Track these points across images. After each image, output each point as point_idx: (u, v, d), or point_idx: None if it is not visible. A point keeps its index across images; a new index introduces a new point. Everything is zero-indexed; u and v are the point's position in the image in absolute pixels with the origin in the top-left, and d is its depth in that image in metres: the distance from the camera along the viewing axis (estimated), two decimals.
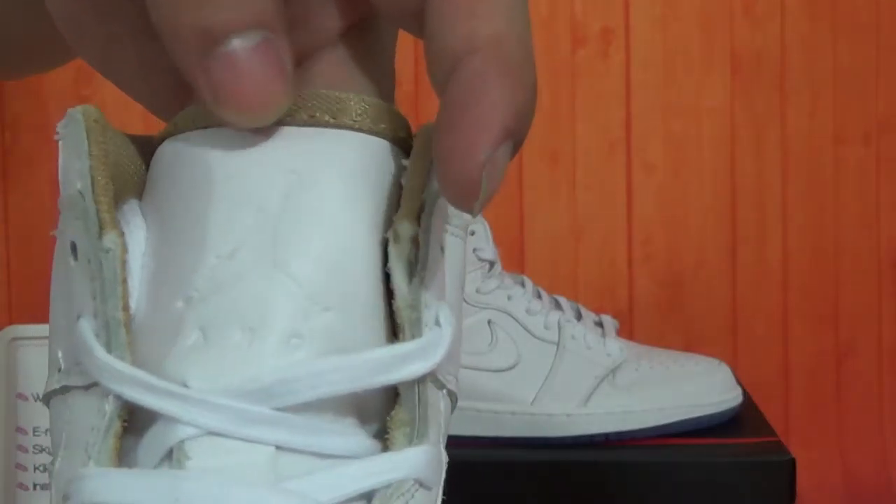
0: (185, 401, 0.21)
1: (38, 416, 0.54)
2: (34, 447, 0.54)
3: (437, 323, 0.23)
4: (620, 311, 0.90)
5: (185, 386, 0.22)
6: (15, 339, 0.54)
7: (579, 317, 0.69)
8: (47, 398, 0.25)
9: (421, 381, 0.23)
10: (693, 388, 0.67)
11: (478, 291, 0.68)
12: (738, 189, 0.92)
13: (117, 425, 0.22)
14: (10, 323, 0.57)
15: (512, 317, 0.67)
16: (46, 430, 0.54)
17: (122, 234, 0.23)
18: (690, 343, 0.89)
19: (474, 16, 0.22)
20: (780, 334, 0.92)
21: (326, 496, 0.21)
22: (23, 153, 0.88)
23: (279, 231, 0.22)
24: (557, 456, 0.63)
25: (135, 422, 0.22)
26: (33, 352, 0.54)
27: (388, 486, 0.22)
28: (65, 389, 0.24)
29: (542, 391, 0.65)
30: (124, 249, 0.23)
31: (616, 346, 0.67)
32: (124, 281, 0.22)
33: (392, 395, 0.23)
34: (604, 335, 0.68)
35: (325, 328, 0.22)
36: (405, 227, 0.23)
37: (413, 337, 0.23)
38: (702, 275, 0.92)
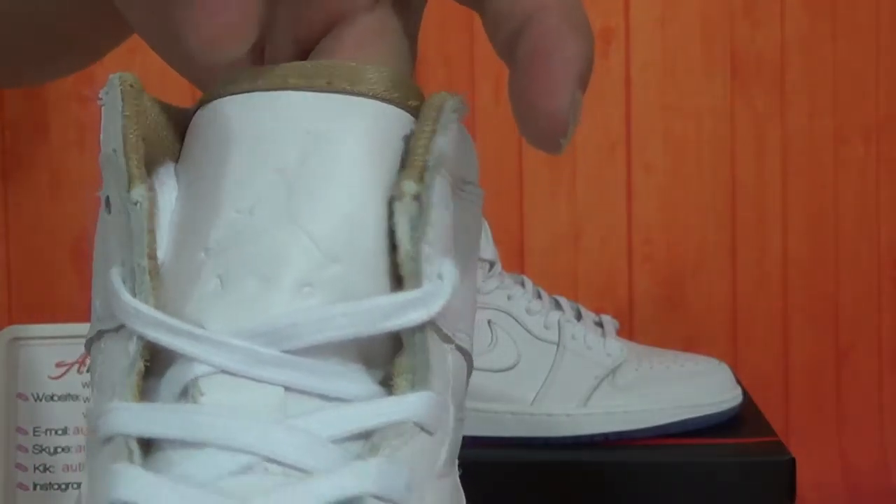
0: (200, 341, 0.23)
1: (38, 416, 0.54)
2: (34, 447, 0.54)
3: (440, 276, 0.25)
4: (620, 311, 0.90)
5: (202, 327, 0.23)
6: (15, 339, 0.54)
7: (579, 317, 0.69)
8: (87, 346, 0.26)
9: (421, 330, 0.24)
10: (693, 388, 0.67)
11: (478, 291, 0.68)
12: (738, 189, 0.92)
13: (140, 364, 0.24)
14: (10, 323, 0.57)
15: (512, 317, 0.67)
16: (47, 430, 0.54)
17: (150, 189, 0.24)
18: (690, 343, 0.89)
19: None
20: (780, 334, 0.92)
21: (328, 432, 0.23)
22: (23, 153, 0.88)
23: (295, 188, 0.24)
24: (557, 456, 0.63)
25: (157, 362, 0.24)
26: (33, 352, 0.54)
27: (388, 426, 0.23)
28: (99, 335, 0.25)
29: (542, 391, 0.65)
30: (152, 203, 0.24)
31: (616, 346, 0.67)
32: (151, 231, 0.24)
33: (398, 344, 0.25)
34: (604, 335, 0.68)
35: (334, 278, 0.24)
36: (408, 185, 0.24)
37: (414, 288, 0.24)
38: (702, 275, 0.92)
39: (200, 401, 0.23)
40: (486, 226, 0.70)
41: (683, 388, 0.66)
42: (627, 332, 0.90)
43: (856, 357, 0.93)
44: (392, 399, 0.24)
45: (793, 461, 0.62)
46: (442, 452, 0.25)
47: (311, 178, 0.24)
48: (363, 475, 0.22)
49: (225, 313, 0.23)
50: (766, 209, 0.92)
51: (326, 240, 0.24)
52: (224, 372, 0.23)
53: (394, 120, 0.26)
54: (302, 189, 0.24)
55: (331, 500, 0.22)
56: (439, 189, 0.25)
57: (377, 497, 0.22)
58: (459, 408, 0.28)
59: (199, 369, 0.23)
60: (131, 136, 0.24)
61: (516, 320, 0.67)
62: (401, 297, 0.24)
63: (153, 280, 0.24)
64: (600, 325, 0.69)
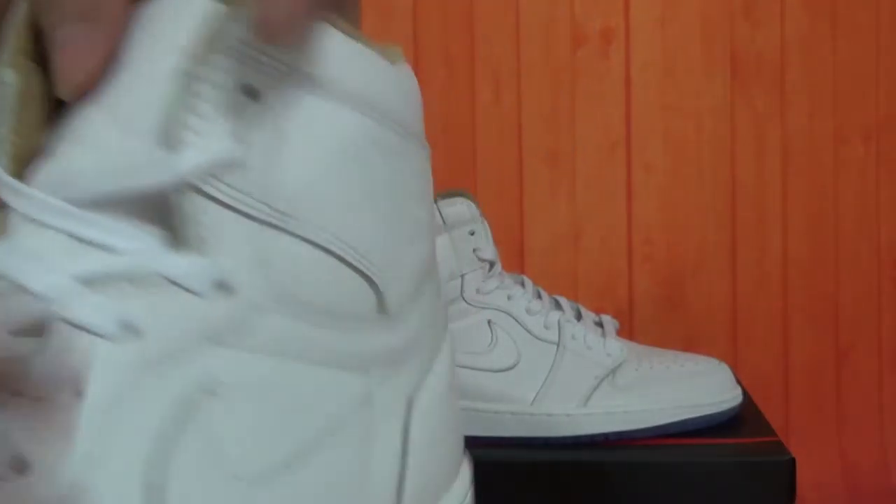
0: (15, 193, 0.27)
1: None
2: None
3: (207, 149, 0.27)
4: (620, 311, 0.90)
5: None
6: None
7: (579, 317, 0.69)
8: None
9: (180, 192, 0.27)
10: (693, 388, 0.67)
11: (478, 291, 0.68)
12: (738, 189, 0.92)
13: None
14: None
15: (512, 317, 0.67)
16: None
17: (21, 72, 0.28)
18: (690, 343, 0.89)
19: None
20: (780, 334, 0.93)
21: (76, 272, 0.26)
22: None
23: (118, 74, 0.28)
24: (557, 456, 0.63)
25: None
26: None
27: (133, 275, 0.27)
28: None
29: (542, 391, 0.65)
30: (25, 85, 0.28)
31: (616, 346, 0.67)
32: (19, 110, 0.28)
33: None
34: (604, 335, 0.68)
35: (117, 143, 0.27)
36: (187, 63, 0.28)
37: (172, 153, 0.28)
38: (702, 275, 0.92)
39: (7, 240, 0.27)
40: (486, 226, 0.70)
41: (683, 388, 0.66)
42: (627, 332, 0.90)
43: (856, 357, 0.93)
44: (147, 254, 0.27)
45: (793, 461, 0.62)
46: (222, 321, 0.27)
47: (130, 61, 0.28)
48: (74, 303, 0.25)
49: (46, 172, 0.27)
50: (766, 209, 0.92)
51: (121, 112, 0.28)
52: (27, 218, 0.27)
53: (212, 13, 0.29)
54: (121, 74, 0.28)
55: (29, 315, 0.25)
56: (222, 71, 0.28)
57: (71, 323, 0.25)
58: (294, 298, 0.29)
59: (13, 216, 0.27)
60: (10, 34, 0.28)
61: (516, 320, 0.67)
62: (153, 155, 0.27)
63: (14, 148, 0.28)
64: (600, 325, 0.69)
